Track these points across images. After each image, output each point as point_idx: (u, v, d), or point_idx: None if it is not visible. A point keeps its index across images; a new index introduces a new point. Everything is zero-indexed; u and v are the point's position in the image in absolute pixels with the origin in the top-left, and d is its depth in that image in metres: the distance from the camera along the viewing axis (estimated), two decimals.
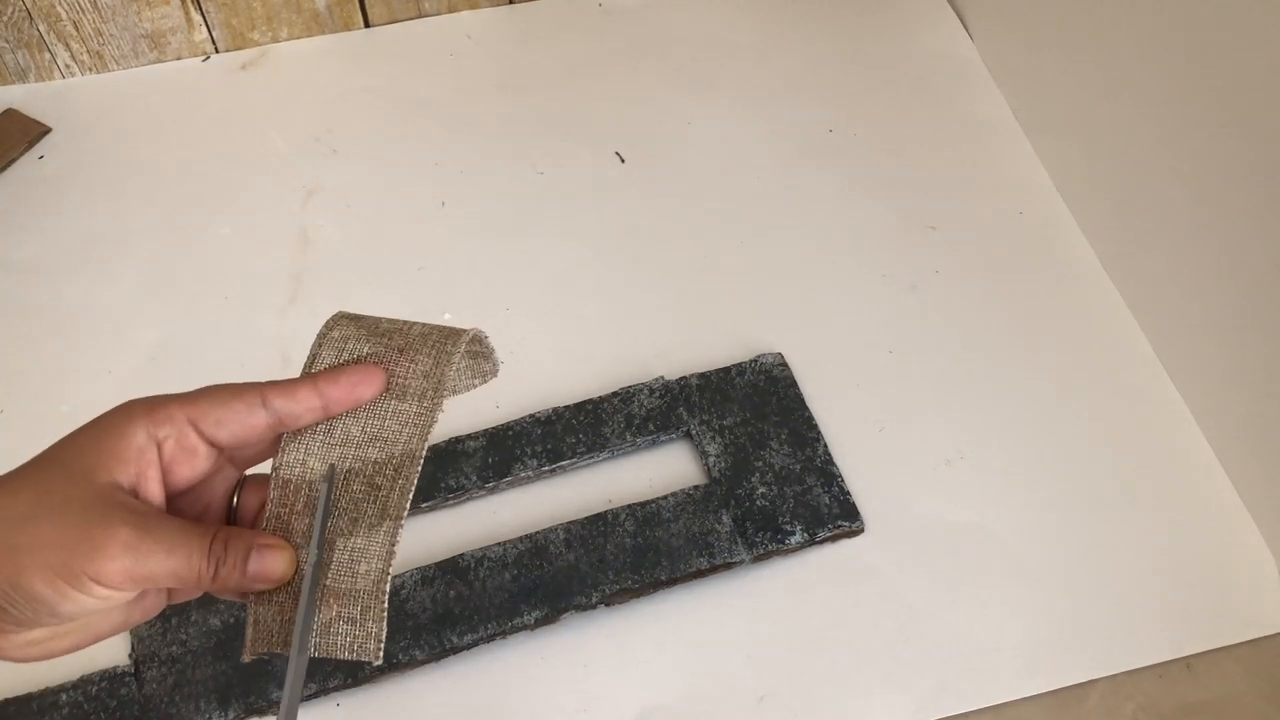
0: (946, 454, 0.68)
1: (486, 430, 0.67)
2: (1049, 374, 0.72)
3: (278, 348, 0.72)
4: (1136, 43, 0.70)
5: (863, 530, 0.64)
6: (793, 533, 0.63)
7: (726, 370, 0.70)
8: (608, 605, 0.61)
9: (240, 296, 0.75)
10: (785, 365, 0.70)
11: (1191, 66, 0.65)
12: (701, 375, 0.69)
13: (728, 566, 0.62)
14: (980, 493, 0.67)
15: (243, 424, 0.37)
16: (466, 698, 0.59)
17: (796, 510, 0.64)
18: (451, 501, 0.65)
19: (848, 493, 0.65)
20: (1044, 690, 0.59)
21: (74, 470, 0.35)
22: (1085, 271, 0.77)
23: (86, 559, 0.33)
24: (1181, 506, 0.67)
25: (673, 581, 0.61)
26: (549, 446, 0.66)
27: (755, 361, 0.70)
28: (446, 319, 0.74)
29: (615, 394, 0.68)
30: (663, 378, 0.69)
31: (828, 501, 0.64)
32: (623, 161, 0.83)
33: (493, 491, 0.65)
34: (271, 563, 0.37)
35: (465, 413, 0.68)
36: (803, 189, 0.82)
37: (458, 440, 0.66)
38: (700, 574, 0.62)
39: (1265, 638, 0.62)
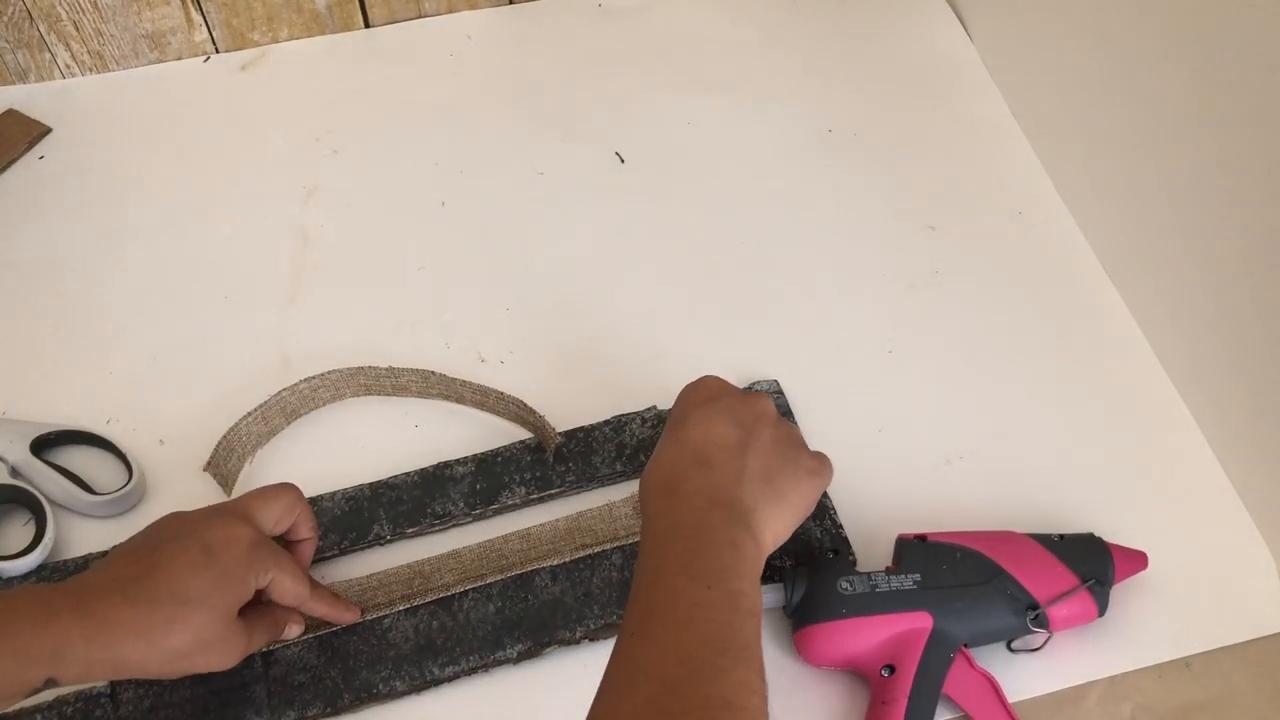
0: (946, 454, 0.68)
1: (475, 456, 0.66)
2: (1049, 374, 0.72)
3: (278, 348, 0.72)
4: (1136, 42, 0.70)
5: (855, 565, 0.63)
6: (782, 568, 0.62)
7: None
8: (592, 640, 0.60)
9: (240, 296, 0.75)
10: (781, 393, 0.70)
11: (1191, 66, 0.65)
12: None
13: None
14: (979, 492, 0.67)
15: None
16: None
17: (787, 545, 0.63)
18: (438, 528, 0.64)
19: (840, 525, 0.64)
20: (1043, 691, 0.59)
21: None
22: (1085, 271, 0.77)
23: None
24: (1181, 507, 0.67)
25: None
26: (538, 474, 0.65)
27: (750, 389, 0.69)
28: (447, 319, 0.74)
29: (607, 422, 0.68)
30: (655, 407, 0.68)
31: (819, 535, 0.64)
32: (623, 161, 0.83)
33: (479, 519, 0.65)
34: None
35: (455, 426, 0.68)
36: (802, 189, 0.82)
37: (446, 465, 0.66)
38: None
39: (1265, 638, 0.62)
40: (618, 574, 0.62)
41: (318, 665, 0.59)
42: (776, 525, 0.53)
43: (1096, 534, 0.61)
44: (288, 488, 0.58)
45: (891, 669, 0.56)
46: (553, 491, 0.65)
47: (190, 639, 0.50)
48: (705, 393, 0.58)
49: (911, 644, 0.56)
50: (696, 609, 0.47)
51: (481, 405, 0.68)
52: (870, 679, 0.58)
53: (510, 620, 0.60)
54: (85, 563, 0.62)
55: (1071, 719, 0.59)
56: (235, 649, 0.53)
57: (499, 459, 0.66)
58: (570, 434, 0.67)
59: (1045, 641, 0.59)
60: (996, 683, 0.57)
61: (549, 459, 0.66)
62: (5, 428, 0.65)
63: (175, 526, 0.53)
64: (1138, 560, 0.61)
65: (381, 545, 0.64)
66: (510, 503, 0.65)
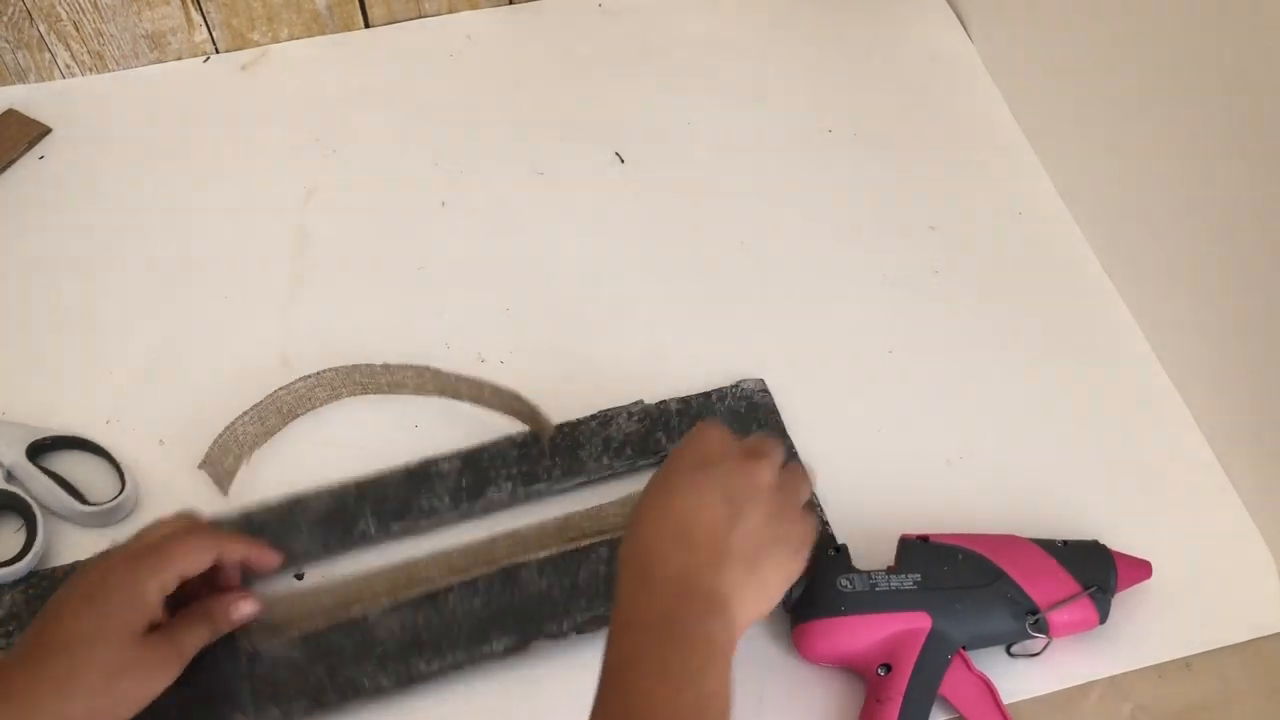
0: (946, 454, 0.68)
1: (461, 452, 0.66)
2: (1048, 374, 0.72)
3: (278, 348, 0.72)
4: (1136, 43, 0.70)
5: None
6: None
7: (707, 395, 0.69)
8: (579, 634, 0.60)
9: (240, 296, 0.75)
10: (766, 391, 0.70)
11: (1191, 67, 0.65)
12: (682, 400, 0.69)
13: None
14: (979, 493, 0.67)
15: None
16: None
17: None
18: (424, 526, 0.64)
19: (826, 522, 0.64)
20: (1043, 691, 0.59)
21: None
22: (1085, 271, 0.77)
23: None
24: (1181, 506, 0.67)
25: None
26: (524, 469, 0.65)
27: (736, 387, 0.69)
28: (447, 319, 0.74)
29: (593, 416, 0.68)
30: (641, 401, 0.69)
31: None
32: (623, 161, 0.83)
33: (466, 515, 0.65)
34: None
35: (453, 424, 0.68)
36: (802, 189, 0.82)
37: (432, 461, 0.66)
38: None
39: (1265, 638, 0.62)
40: (604, 567, 0.61)
41: (302, 662, 0.58)
42: (752, 610, 0.51)
43: (1100, 541, 0.61)
44: (189, 538, 0.55)
45: (888, 668, 0.56)
46: (539, 486, 0.65)
47: (99, 677, 0.50)
48: (699, 454, 0.54)
49: (909, 644, 0.56)
50: (669, 712, 0.46)
51: (476, 399, 0.68)
52: (867, 677, 0.58)
53: (496, 614, 0.60)
54: (75, 569, 0.62)
55: (1071, 719, 0.59)
56: (163, 665, 0.52)
57: (485, 455, 0.66)
58: (557, 428, 0.67)
59: (1045, 647, 0.58)
60: (994, 686, 0.57)
61: (545, 448, 0.66)
62: (3, 431, 0.65)
63: (69, 581, 0.53)
64: (1141, 569, 0.60)
65: (367, 543, 0.64)
66: (497, 498, 0.65)
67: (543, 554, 0.62)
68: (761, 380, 0.70)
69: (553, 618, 0.60)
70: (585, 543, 0.62)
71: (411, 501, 0.64)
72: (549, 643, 0.60)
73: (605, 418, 0.68)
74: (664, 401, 0.69)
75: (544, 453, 0.66)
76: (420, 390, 0.69)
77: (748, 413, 0.68)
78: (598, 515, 0.64)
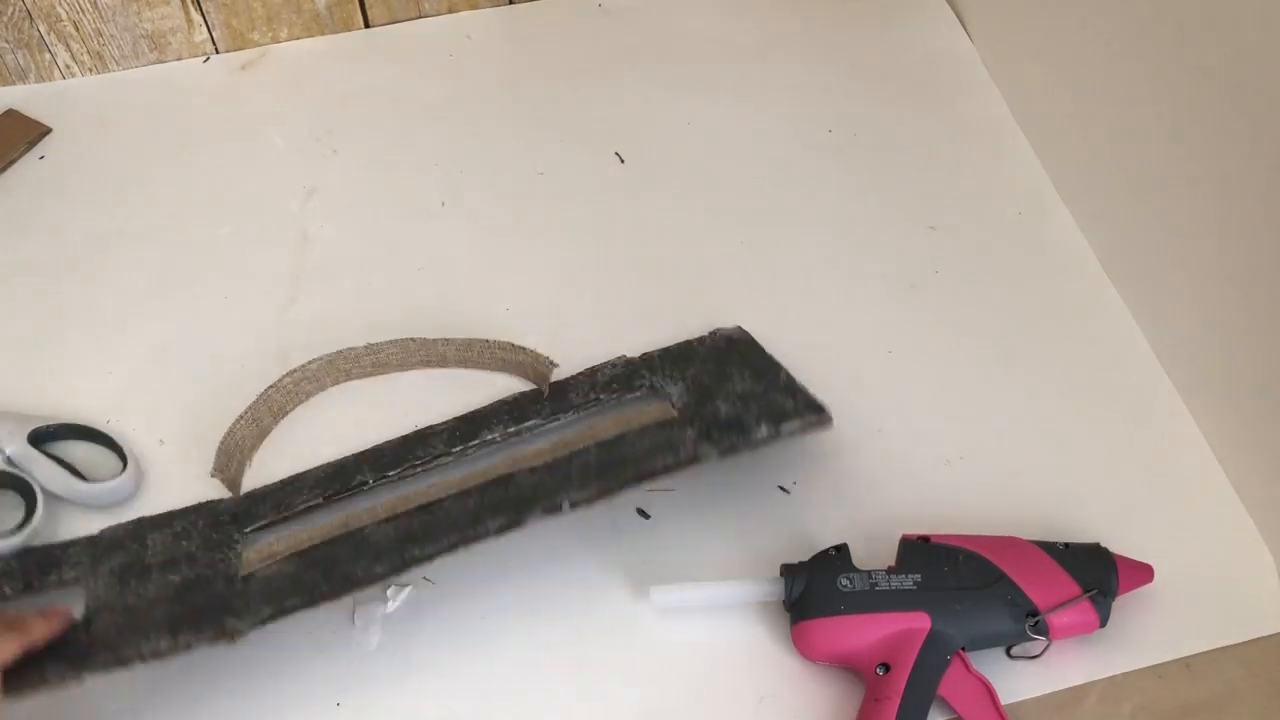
0: (946, 454, 0.68)
1: (456, 417, 0.68)
2: (1048, 374, 0.72)
3: (277, 348, 0.72)
4: (1136, 43, 0.70)
5: (831, 423, 0.63)
6: (758, 428, 0.62)
7: (687, 342, 0.71)
8: (573, 507, 0.59)
9: (240, 296, 0.75)
10: (745, 332, 0.71)
11: (1191, 66, 0.65)
12: (663, 349, 0.70)
13: (694, 460, 0.60)
14: (979, 493, 0.67)
15: None
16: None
17: (761, 413, 0.63)
18: (420, 467, 0.65)
19: (811, 396, 0.65)
20: (1043, 691, 0.59)
21: None
22: (1084, 271, 0.77)
23: None
24: (1181, 506, 0.67)
25: (638, 479, 0.60)
26: (515, 414, 0.67)
27: (714, 333, 0.71)
28: (446, 319, 0.74)
29: (579, 373, 0.70)
30: (624, 355, 0.70)
31: (792, 404, 0.64)
32: (622, 162, 0.83)
33: (461, 455, 0.66)
34: None
35: (453, 404, 0.69)
36: (802, 189, 0.82)
37: (428, 427, 0.67)
38: (668, 469, 0.60)
39: (1265, 638, 0.62)
40: (594, 460, 0.62)
41: (296, 572, 0.58)
42: None
43: (1102, 544, 0.61)
44: None
45: (887, 668, 0.56)
46: (530, 424, 0.67)
47: None
48: None
49: (908, 644, 0.56)
50: None
51: (466, 362, 0.69)
52: (865, 677, 0.58)
53: (490, 506, 0.60)
54: (67, 548, 0.62)
55: (1071, 719, 0.59)
56: None
57: (478, 415, 0.68)
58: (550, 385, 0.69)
59: (1044, 649, 0.58)
60: (992, 688, 0.57)
61: (541, 393, 0.68)
62: (4, 419, 0.65)
63: None
64: (1143, 572, 0.60)
65: (365, 492, 0.64)
66: (490, 438, 0.66)
67: (536, 462, 0.63)
68: (739, 326, 0.72)
69: (548, 497, 0.59)
70: (578, 447, 0.64)
71: (407, 456, 0.66)
72: (544, 517, 0.59)
73: (591, 370, 0.70)
74: (647, 352, 0.71)
75: (533, 399, 0.68)
76: (406, 364, 0.70)
77: (729, 348, 0.70)
78: (591, 430, 0.66)
